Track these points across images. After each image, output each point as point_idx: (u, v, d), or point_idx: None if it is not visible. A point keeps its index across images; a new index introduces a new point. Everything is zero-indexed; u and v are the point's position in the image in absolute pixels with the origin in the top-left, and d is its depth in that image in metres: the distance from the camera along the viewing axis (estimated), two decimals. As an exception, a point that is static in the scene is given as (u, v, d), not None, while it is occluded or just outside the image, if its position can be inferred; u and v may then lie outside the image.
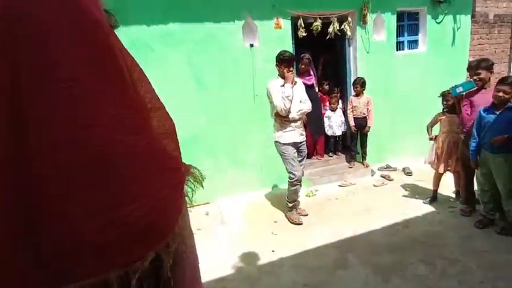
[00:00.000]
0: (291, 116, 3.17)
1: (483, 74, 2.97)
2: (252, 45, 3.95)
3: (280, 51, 3.25)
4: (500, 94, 2.66)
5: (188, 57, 3.78)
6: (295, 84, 3.20)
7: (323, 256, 2.76)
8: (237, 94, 4.04)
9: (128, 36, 3.50)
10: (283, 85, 3.14)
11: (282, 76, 3.20)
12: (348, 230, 3.11)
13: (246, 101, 4.09)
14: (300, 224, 3.35)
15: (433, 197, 3.59)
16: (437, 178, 3.57)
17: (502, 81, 2.73)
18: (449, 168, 3.47)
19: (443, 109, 3.49)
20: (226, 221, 3.62)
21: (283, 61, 3.17)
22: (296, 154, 3.32)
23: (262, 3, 3.92)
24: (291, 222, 3.39)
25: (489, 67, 3.01)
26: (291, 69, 3.21)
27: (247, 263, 2.76)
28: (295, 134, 3.26)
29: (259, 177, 4.31)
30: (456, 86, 3.06)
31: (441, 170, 3.47)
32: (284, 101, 3.08)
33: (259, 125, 4.21)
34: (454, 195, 3.64)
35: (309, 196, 4.04)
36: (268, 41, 4.02)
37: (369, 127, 4.49)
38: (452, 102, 3.27)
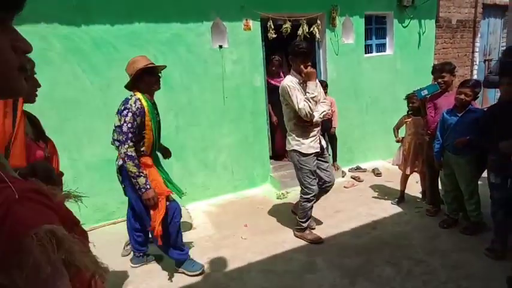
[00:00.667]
0: (314, 119, 2.71)
1: (447, 77, 3.05)
2: (221, 47, 3.88)
3: (295, 42, 2.74)
4: (462, 97, 2.73)
5: (154, 57, 3.62)
6: None
7: (292, 260, 2.73)
8: (206, 96, 3.95)
9: (90, 35, 3.36)
10: (301, 83, 2.70)
11: (298, 72, 2.71)
12: (318, 233, 3.09)
13: (215, 103, 4.01)
14: (322, 241, 2.94)
15: (401, 198, 3.66)
16: (404, 179, 3.64)
17: (464, 84, 2.80)
18: (415, 169, 3.54)
19: (408, 111, 3.57)
20: (196, 225, 3.53)
21: (299, 54, 2.63)
22: (315, 167, 2.88)
23: (231, 5, 3.86)
24: (311, 242, 2.94)
25: (452, 70, 3.10)
26: (309, 63, 2.69)
27: (215, 269, 2.69)
28: (317, 141, 2.85)
29: (230, 180, 4.24)
30: (421, 89, 3.11)
31: (408, 171, 3.54)
32: (309, 103, 2.61)
33: (229, 127, 4.15)
34: (420, 196, 3.73)
35: (280, 198, 4.01)
36: (237, 42, 3.96)
37: (334, 128, 4.50)
38: (417, 104, 3.34)
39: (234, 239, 3.12)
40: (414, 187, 3.81)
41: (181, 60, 3.74)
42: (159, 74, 2.44)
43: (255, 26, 4.03)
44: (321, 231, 3.13)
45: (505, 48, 4.16)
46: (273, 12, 4.04)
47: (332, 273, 2.52)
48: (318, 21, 4.31)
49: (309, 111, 2.61)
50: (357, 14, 4.61)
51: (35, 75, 1.62)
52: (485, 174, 2.75)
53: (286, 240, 3.04)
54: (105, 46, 3.42)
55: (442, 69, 3.10)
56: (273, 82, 4.49)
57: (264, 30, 4.10)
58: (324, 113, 2.77)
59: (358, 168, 4.78)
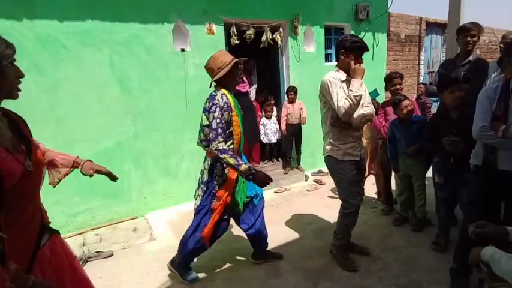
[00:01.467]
0: (354, 122, 2.39)
1: (402, 84, 3.34)
2: (183, 50, 3.79)
3: (346, 36, 2.42)
4: (410, 108, 2.96)
5: (110, 58, 3.45)
6: None
7: (256, 266, 2.70)
8: (168, 100, 3.82)
9: (34, 31, 3.05)
10: (344, 81, 2.37)
11: (345, 68, 2.37)
12: (281, 236, 3.12)
13: (177, 108, 3.89)
14: (356, 270, 2.57)
15: (359, 200, 3.82)
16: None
17: (398, 101, 3.00)
18: (371, 171, 3.74)
19: (364, 118, 3.77)
20: (157, 236, 3.36)
21: (353, 49, 2.31)
22: (356, 175, 2.53)
23: (194, 8, 3.80)
24: (343, 268, 2.59)
25: (402, 79, 3.38)
26: (361, 61, 2.39)
27: (178, 280, 2.56)
28: (357, 148, 2.49)
29: (192, 187, 4.07)
30: None
31: (365, 173, 3.72)
32: (350, 101, 2.26)
33: (192, 132, 4.03)
34: (376, 196, 3.93)
35: (244, 204, 3.98)
36: (200, 46, 3.90)
37: (304, 118, 4.62)
38: None
39: (197, 248, 3.02)
40: (371, 188, 4.00)
41: (140, 62, 3.59)
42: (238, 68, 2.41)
43: (219, 30, 4.01)
44: (285, 235, 3.15)
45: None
46: (237, 18, 4.05)
47: (296, 277, 2.54)
48: (281, 29, 4.41)
49: (348, 111, 2.27)
50: (318, 24, 4.80)
51: (15, 63, 1.18)
52: (430, 174, 2.97)
53: (250, 245, 3.00)
54: (53, 44, 3.15)
55: (397, 77, 3.35)
56: (236, 87, 4.48)
57: (228, 35, 4.09)
58: (366, 118, 2.42)
59: (320, 172, 4.92)
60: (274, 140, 4.90)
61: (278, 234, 3.14)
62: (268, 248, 2.94)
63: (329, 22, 4.98)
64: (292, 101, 4.61)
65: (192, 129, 4.02)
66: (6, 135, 1.12)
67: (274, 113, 4.87)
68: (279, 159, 5.10)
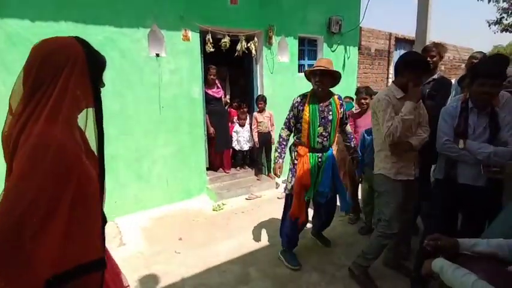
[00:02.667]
0: (414, 143, 2.27)
1: (368, 99, 3.49)
2: (158, 55, 3.79)
3: (410, 53, 2.29)
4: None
5: (83, 60, 3.39)
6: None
7: (226, 273, 2.75)
8: (141, 105, 3.80)
9: (5, 30, 2.99)
10: (400, 98, 2.25)
11: (401, 87, 2.26)
12: (252, 243, 3.19)
13: (151, 113, 3.87)
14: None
15: (327, 207, 3.98)
16: (330, 190, 3.97)
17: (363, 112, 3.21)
18: (338, 181, 3.91)
19: (332, 129, 3.94)
20: (126, 241, 3.32)
21: (417, 68, 2.18)
22: (402, 198, 2.37)
23: (170, 14, 3.82)
24: None
25: (373, 94, 3.56)
26: (420, 81, 2.27)
27: (147, 287, 2.57)
28: (411, 167, 2.36)
29: (165, 192, 4.11)
30: None
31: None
32: (397, 123, 2.15)
33: (165, 137, 4.04)
34: (344, 204, 4.11)
35: (216, 210, 4.03)
36: (175, 52, 3.92)
37: (274, 139, 4.73)
38: None
39: (167, 254, 3.03)
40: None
41: (114, 65, 3.54)
42: (319, 76, 2.65)
43: (194, 37, 4.04)
44: (254, 242, 3.23)
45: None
46: (213, 26, 4.10)
47: (264, 283, 2.61)
48: (255, 39, 4.51)
49: (393, 132, 2.16)
50: (292, 35, 4.95)
51: None
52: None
53: (221, 252, 3.05)
54: (23, 44, 3.07)
55: (362, 92, 3.54)
56: (210, 93, 4.53)
57: (203, 42, 4.13)
58: (423, 138, 2.31)
59: (290, 180, 5.05)
60: (246, 147, 4.97)
61: (248, 242, 3.22)
62: (239, 254, 3.02)
63: (303, 34, 5.15)
64: (261, 110, 4.73)
65: (165, 134, 4.03)
66: (81, 144, 1.13)
67: (248, 121, 4.96)
68: (251, 166, 5.18)
